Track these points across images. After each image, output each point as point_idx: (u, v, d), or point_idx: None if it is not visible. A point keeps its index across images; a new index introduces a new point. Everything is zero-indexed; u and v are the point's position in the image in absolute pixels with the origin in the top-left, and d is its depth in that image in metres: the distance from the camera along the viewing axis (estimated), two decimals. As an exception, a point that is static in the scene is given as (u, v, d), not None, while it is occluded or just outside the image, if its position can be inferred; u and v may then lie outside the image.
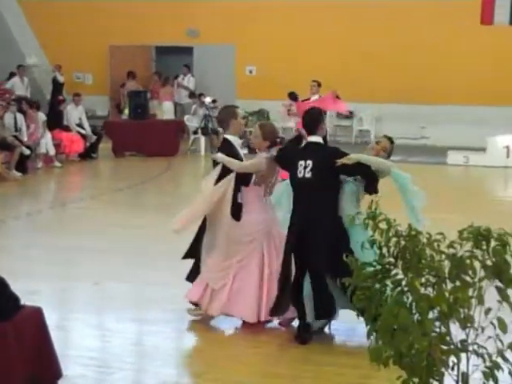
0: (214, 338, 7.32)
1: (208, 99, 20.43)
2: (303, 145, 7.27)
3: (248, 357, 6.82)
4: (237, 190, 7.30)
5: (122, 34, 23.44)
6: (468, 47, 21.30)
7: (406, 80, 21.39)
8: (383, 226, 4.36)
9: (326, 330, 7.31)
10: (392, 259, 4.38)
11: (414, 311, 4.19)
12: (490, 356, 4.13)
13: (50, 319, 6.04)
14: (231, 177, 7.29)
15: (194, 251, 7.62)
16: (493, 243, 4.12)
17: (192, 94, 22.32)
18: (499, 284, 4.15)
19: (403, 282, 4.26)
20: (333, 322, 7.30)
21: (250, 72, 23.52)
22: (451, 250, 4.18)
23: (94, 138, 19.19)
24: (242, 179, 7.31)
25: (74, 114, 18.96)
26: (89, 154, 19.00)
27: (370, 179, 6.93)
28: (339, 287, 6.32)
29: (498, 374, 4.13)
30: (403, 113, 21.11)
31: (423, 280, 4.22)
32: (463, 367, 4.20)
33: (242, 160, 7.44)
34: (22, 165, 16.52)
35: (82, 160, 18.78)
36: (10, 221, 12.36)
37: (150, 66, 24.69)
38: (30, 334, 5.63)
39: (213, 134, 20.03)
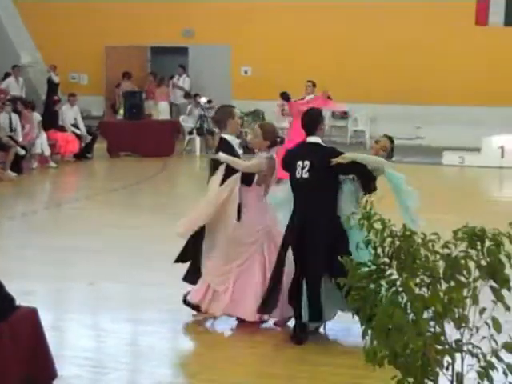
0: (209, 339, 7.32)
1: (203, 99, 20.43)
2: (303, 145, 7.25)
3: (244, 357, 6.82)
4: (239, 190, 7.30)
5: (118, 34, 23.42)
6: (463, 48, 21.33)
7: (401, 80, 21.42)
8: (378, 226, 4.37)
9: (321, 330, 7.32)
10: (387, 259, 4.39)
11: (408, 311, 4.20)
12: (484, 356, 4.14)
13: (45, 319, 6.04)
14: (236, 177, 7.25)
15: (185, 255, 7.58)
16: (487, 243, 4.13)
17: (187, 95, 22.31)
18: (494, 284, 4.16)
19: (398, 282, 4.27)
20: (328, 322, 7.30)
21: (246, 72, 23.52)
22: (446, 250, 4.20)
23: (89, 138, 19.18)
24: (246, 179, 7.29)
25: (69, 114, 18.95)
26: (84, 154, 18.98)
27: (365, 178, 6.93)
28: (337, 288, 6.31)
29: (493, 373, 4.14)
30: (398, 113, 21.13)
31: (418, 280, 4.23)
32: (458, 367, 4.22)
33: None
34: (17, 165, 16.51)
35: (77, 160, 18.77)
36: (4, 221, 12.35)
37: (145, 66, 24.68)
38: (25, 335, 5.62)
39: (208, 135, 20.04)
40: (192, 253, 7.53)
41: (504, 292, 4.18)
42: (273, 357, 6.82)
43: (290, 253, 7.09)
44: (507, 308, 4.15)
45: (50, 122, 18.43)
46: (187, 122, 20.78)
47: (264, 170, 7.33)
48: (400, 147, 18.38)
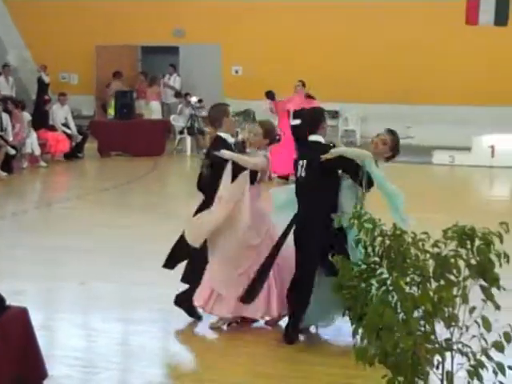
0: (200, 339, 7.31)
1: (194, 99, 20.42)
2: (305, 144, 7.22)
3: (236, 357, 6.80)
4: None
5: (108, 33, 23.37)
6: (454, 48, 21.37)
7: (392, 80, 21.44)
8: (368, 225, 4.38)
9: (312, 329, 7.32)
10: (377, 258, 4.41)
11: (399, 310, 4.21)
12: (474, 355, 4.16)
13: (36, 319, 6.02)
14: (246, 175, 7.12)
15: (172, 261, 7.52)
16: (477, 242, 4.14)
17: (178, 94, 22.30)
18: (483, 283, 4.18)
19: (388, 281, 4.28)
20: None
21: (236, 72, 23.52)
22: (436, 250, 4.21)
23: (80, 137, 19.15)
24: (251, 177, 7.20)
25: (59, 113, 18.91)
26: (74, 153, 18.95)
27: (352, 173, 6.85)
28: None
29: (483, 372, 4.16)
30: (389, 113, 21.12)
31: (408, 279, 4.25)
32: (448, 366, 4.23)
33: None
34: (8, 165, 16.47)
35: (68, 160, 18.73)
36: (-5, 221, 12.33)
37: (135, 65, 24.64)
38: (15, 335, 5.61)
39: (199, 134, 20.03)
40: (184, 254, 7.46)
41: (494, 291, 4.20)
42: (266, 356, 6.81)
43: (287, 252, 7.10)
44: (497, 307, 4.17)
45: (41, 121, 18.39)
46: (178, 122, 20.76)
47: (265, 167, 7.32)
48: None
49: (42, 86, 22.93)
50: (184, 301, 7.53)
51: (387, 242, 4.31)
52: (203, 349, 7.06)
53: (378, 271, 4.39)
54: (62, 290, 8.78)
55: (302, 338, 7.10)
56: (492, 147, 18.41)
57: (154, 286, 8.37)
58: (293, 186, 7.22)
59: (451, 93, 21.23)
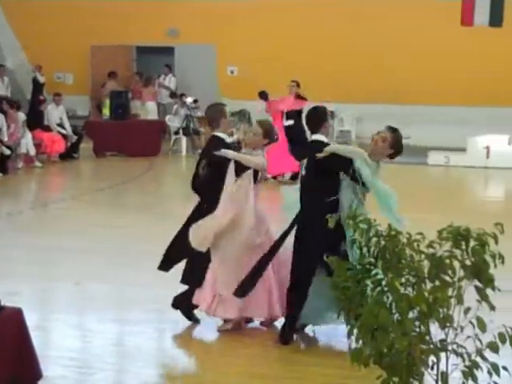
0: (196, 339, 7.31)
1: (189, 99, 20.41)
2: (309, 144, 7.20)
3: (231, 358, 6.79)
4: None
5: (103, 33, 23.36)
6: (449, 49, 21.40)
7: (387, 81, 21.46)
8: (363, 226, 4.38)
9: (310, 333, 7.29)
10: (372, 259, 4.41)
11: (394, 311, 4.22)
12: (469, 355, 4.17)
13: (31, 320, 6.02)
14: (249, 175, 7.09)
15: (168, 264, 7.47)
16: (472, 243, 4.15)
17: (173, 94, 22.29)
18: (478, 284, 4.19)
19: (383, 282, 4.29)
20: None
21: (232, 72, 23.53)
22: (431, 250, 4.21)
23: (75, 137, 19.12)
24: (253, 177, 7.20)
25: (54, 113, 18.89)
26: (70, 154, 18.92)
27: (347, 171, 6.81)
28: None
29: (477, 373, 4.16)
30: (384, 113, 21.09)
31: (403, 280, 4.25)
32: (443, 366, 4.24)
33: None
34: (3, 165, 16.44)
35: (63, 160, 18.71)
36: (-10, 221, 12.31)
37: (131, 65, 24.63)
38: (10, 335, 5.60)
39: (194, 135, 20.04)
40: (179, 256, 7.43)
41: (488, 291, 4.21)
42: (262, 357, 6.80)
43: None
44: (492, 307, 4.18)
45: (36, 121, 18.36)
46: (173, 122, 20.75)
47: (265, 167, 7.31)
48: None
49: (37, 86, 22.92)
50: (182, 303, 7.47)
51: (382, 242, 4.31)
52: (199, 350, 7.06)
53: (373, 272, 4.39)
54: (57, 290, 8.77)
55: (297, 339, 7.10)
56: (487, 148, 18.44)
57: (150, 287, 8.36)
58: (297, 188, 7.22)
59: (447, 93, 21.26)
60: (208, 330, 7.40)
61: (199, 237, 7.13)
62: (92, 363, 6.60)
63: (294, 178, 15.85)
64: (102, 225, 11.84)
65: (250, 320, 7.44)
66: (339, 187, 6.82)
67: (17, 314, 5.71)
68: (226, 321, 7.35)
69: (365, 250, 4.43)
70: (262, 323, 7.45)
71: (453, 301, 4.17)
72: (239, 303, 7.14)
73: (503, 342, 4.06)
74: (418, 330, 4.21)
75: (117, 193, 15.32)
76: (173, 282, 7.52)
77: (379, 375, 4.30)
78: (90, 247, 10.42)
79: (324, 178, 6.85)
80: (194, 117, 20.27)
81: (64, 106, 19.43)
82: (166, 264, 7.51)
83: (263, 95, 16.14)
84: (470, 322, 4.11)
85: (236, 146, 7.52)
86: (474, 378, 4.14)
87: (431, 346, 4.21)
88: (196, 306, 7.38)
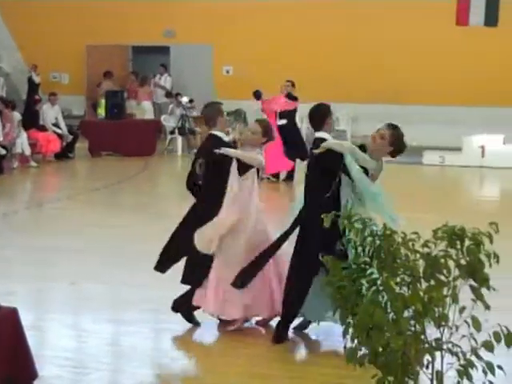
0: (192, 339, 7.30)
1: (185, 99, 20.41)
2: (313, 142, 7.18)
3: (232, 358, 6.78)
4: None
5: (99, 33, 23.36)
6: (444, 48, 21.43)
7: (382, 80, 21.48)
8: (358, 225, 4.39)
9: (308, 330, 7.29)
10: (367, 259, 4.41)
11: (389, 310, 4.22)
12: (464, 354, 4.17)
13: (26, 319, 6.01)
14: (253, 173, 7.07)
15: (164, 265, 7.45)
16: (467, 242, 4.15)
17: (169, 94, 22.29)
18: (473, 283, 4.19)
19: (378, 282, 4.29)
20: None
21: (227, 72, 23.52)
22: (426, 250, 4.22)
23: (71, 137, 19.12)
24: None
25: (50, 113, 18.88)
26: (65, 153, 18.92)
27: (339, 168, 6.79)
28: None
29: (472, 372, 4.17)
30: (379, 113, 21.09)
31: (398, 279, 4.26)
32: (438, 365, 4.24)
33: None
34: (-2, 165, 16.45)
35: (59, 160, 18.70)
36: (-15, 221, 12.29)
37: (126, 65, 24.63)
38: (5, 335, 5.60)
39: (190, 134, 20.03)
40: (175, 257, 7.41)
41: (483, 291, 4.21)
42: (261, 357, 6.78)
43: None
44: (487, 307, 4.18)
45: (31, 121, 18.35)
46: (169, 122, 20.75)
47: (265, 166, 7.30)
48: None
49: (33, 86, 22.90)
50: (182, 305, 7.39)
51: (377, 242, 4.32)
52: (196, 350, 7.04)
53: (368, 271, 4.39)
54: (52, 290, 8.75)
55: (295, 338, 7.10)
56: (482, 147, 18.46)
57: (145, 287, 8.35)
58: None
59: (442, 93, 21.28)
60: (207, 330, 7.37)
61: (204, 240, 7.10)
62: (87, 363, 6.60)
63: (289, 177, 15.91)
64: (98, 224, 11.83)
65: (246, 319, 7.42)
66: (340, 186, 6.77)
67: (12, 314, 5.70)
68: (229, 321, 7.32)
69: (360, 249, 4.43)
70: (257, 323, 7.43)
71: (448, 300, 4.18)
72: (244, 303, 7.12)
73: (498, 341, 4.07)
74: (413, 329, 4.22)
75: (112, 192, 15.32)
76: (169, 282, 7.52)
77: (374, 374, 4.31)
78: (86, 247, 10.41)
79: (324, 176, 6.82)
80: (190, 116, 20.27)
81: (59, 106, 19.43)
82: (162, 264, 7.48)
83: (257, 94, 16.16)
84: (465, 322, 4.11)
85: (232, 146, 7.51)
86: (469, 377, 4.15)
87: (426, 345, 4.22)
88: (196, 308, 7.33)
